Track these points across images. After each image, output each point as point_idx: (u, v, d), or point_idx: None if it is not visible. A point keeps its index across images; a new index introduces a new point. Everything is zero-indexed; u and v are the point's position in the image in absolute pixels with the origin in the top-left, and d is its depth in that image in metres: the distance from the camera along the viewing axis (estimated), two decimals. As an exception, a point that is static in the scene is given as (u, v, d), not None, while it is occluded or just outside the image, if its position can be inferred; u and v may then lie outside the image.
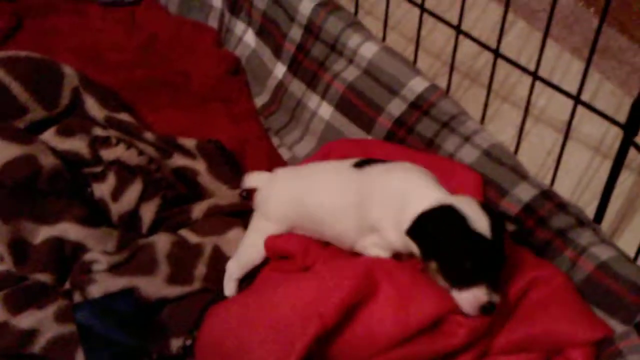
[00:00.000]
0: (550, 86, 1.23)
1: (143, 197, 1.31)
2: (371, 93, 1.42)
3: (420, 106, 1.35)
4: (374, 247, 1.05)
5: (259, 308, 0.99)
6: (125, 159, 1.34)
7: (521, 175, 1.19)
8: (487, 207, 0.97)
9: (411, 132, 1.34)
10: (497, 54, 1.29)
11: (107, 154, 1.35)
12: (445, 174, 1.21)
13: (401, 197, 1.01)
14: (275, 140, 1.57)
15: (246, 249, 1.21)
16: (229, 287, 1.19)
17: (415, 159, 1.25)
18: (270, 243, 1.19)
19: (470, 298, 0.92)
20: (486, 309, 0.91)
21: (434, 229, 0.94)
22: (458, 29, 1.35)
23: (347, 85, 1.46)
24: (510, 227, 1.03)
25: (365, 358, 0.96)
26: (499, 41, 1.28)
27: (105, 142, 1.36)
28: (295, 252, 1.16)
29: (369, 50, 1.45)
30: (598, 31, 1.09)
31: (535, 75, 1.22)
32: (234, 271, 1.20)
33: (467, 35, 1.35)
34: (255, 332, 0.95)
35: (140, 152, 1.36)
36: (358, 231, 1.07)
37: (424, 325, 0.94)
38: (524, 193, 1.16)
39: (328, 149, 1.35)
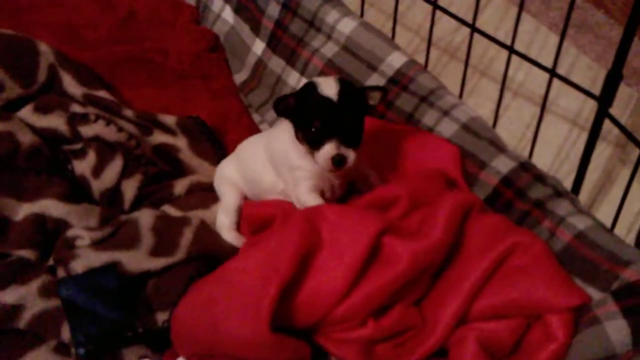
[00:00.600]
0: (526, 60, 1.25)
1: (124, 174, 1.30)
2: (350, 69, 1.42)
3: (399, 81, 1.36)
4: (303, 194, 1.16)
5: (219, 281, 1.00)
6: (105, 135, 1.33)
7: (499, 147, 1.21)
8: (345, 81, 1.11)
9: (390, 106, 1.35)
10: (473, 28, 1.30)
11: (86, 130, 1.34)
12: (424, 147, 1.23)
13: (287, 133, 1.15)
14: (256, 117, 1.58)
15: (224, 197, 1.27)
16: (230, 237, 1.21)
17: (393, 133, 1.28)
18: (248, 210, 1.22)
19: (323, 154, 1.06)
20: (336, 161, 1.05)
21: (292, 100, 1.09)
22: (435, 4, 1.35)
23: (325, 62, 1.46)
24: (377, 97, 1.12)
25: (327, 307, 0.97)
26: (475, 16, 1.30)
27: (84, 118, 1.35)
28: (273, 216, 1.17)
29: (347, 26, 1.45)
30: (571, 5, 1.11)
31: (511, 50, 1.24)
32: (223, 220, 1.23)
33: (445, 11, 1.36)
34: (220, 305, 0.96)
35: (120, 129, 1.35)
36: (284, 183, 1.20)
37: (365, 252, 0.97)
38: (503, 165, 1.18)
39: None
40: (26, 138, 1.27)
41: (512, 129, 1.46)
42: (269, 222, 1.18)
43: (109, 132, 1.33)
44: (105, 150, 1.31)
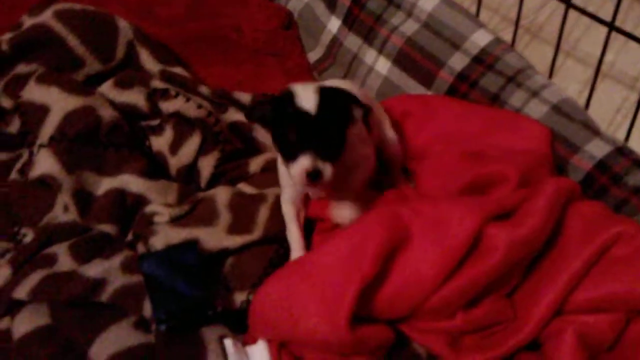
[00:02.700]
0: (628, 37, 1.16)
1: (201, 151, 1.29)
2: (431, 47, 1.37)
3: (483, 60, 1.30)
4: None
5: (299, 273, 0.97)
6: (185, 111, 1.32)
7: (593, 131, 1.15)
8: (327, 90, 1.01)
9: (474, 86, 1.30)
10: (568, 3, 1.23)
11: (166, 106, 1.33)
12: (511, 128, 1.18)
13: None
14: (330, 96, 1.54)
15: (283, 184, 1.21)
16: (291, 231, 1.16)
17: (478, 113, 1.23)
18: (310, 206, 1.18)
19: (297, 167, 0.99)
20: (311, 175, 0.98)
21: (269, 108, 1.02)
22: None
23: (405, 40, 1.42)
24: (358, 112, 1.03)
25: (418, 300, 0.94)
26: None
27: (165, 94, 1.34)
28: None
29: (429, 3, 1.40)
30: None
31: (611, 26, 1.16)
32: (287, 208, 1.17)
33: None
34: (299, 297, 0.93)
35: (199, 105, 1.34)
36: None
37: (467, 242, 0.92)
38: (597, 149, 1.12)
39: (389, 105, 1.31)
40: (107, 113, 1.27)
41: (601, 112, 1.38)
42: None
43: (189, 108, 1.32)
44: (183, 126, 1.31)
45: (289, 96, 1.00)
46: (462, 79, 1.32)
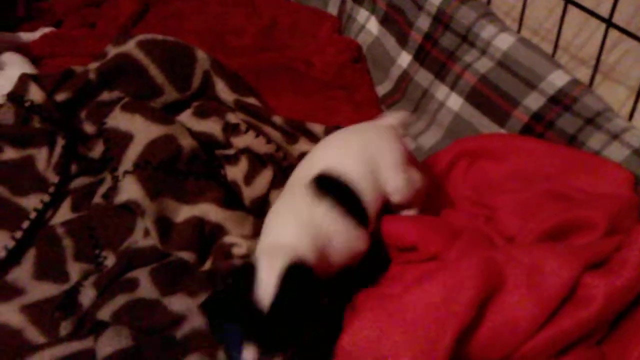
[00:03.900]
0: None
1: (273, 184, 1.31)
2: (506, 86, 1.38)
3: (561, 101, 1.30)
4: None
5: (389, 317, 0.95)
6: (254, 146, 1.35)
7: (678, 177, 1.13)
8: (290, 275, 0.88)
9: (550, 127, 1.30)
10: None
11: (237, 141, 1.37)
12: (593, 170, 1.17)
13: None
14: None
15: None
16: None
17: (558, 153, 1.22)
18: (386, 228, 1.14)
19: (243, 354, 0.89)
20: None
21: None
22: (609, 22, 1.27)
23: (479, 77, 1.42)
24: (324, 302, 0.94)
25: (511, 348, 0.92)
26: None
27: (235, 129, 1.38)
28: (414, 241, 1.13)
29: (504, 42, 1.41)
30: None
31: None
32: None
33: (617, 27, 1.27)
34: (391, 341, 0.91)
35: (269, 140, 1.37)
36: None
37: (563, 292, 0.90)
38: (682, 196, 1.11)
39: (464, 142, 1.31)
40: (187, 142, 1.30)
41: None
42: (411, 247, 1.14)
43: (258, 144, 1.35)
44: (255, 159, 1.33)
45: (248, 275, 0.89)
46: (537, 118, 1.31)
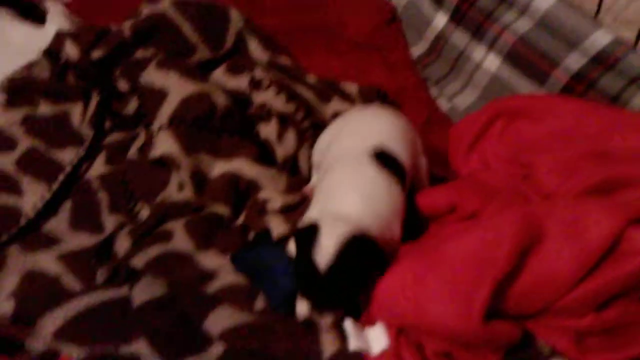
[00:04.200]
0: None
1: (299, 143, 1.31)
2: (546, 45, 1.35)
3: (603, 60, 1.26)
4: None
5: (426, 265, 0.95)
6: (272, 103, 1.33)
7: None
8: (352, 243, 0.91)
9: (591, 87, 1.26)
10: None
11: (257, 96, 1.36)
12: (636, 128, 1.14)
13: None
14: (434, 91, 1.53)
15: None
16: None
17: (599, 112, 1.19)
18: (423, 201, 1.14)
19: (297, 307, 0.95)
20: (304, 321, 0.95)
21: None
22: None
23: (518, 38, 1.39)
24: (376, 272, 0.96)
25: (550, 299, 0.91)
26: None
27: (257, 84, 1.37)
28: (450, 205, 1.12)
29: (544, 2, 1.37)
30: None
31: None
32: None
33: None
34: (428, 287, 0.92)
35: (289, 99, 1.34)
36: None
37: (606, 244, 0.89)
38: None
39: (501, 102, 1.29)
40: (220, 100, 1.30)
41: None
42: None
43: (275, 101, 1.33)
44: (278, 118, 1.32)
45: (310, 236, 0.92)
46: (578, 79, 1.28)
